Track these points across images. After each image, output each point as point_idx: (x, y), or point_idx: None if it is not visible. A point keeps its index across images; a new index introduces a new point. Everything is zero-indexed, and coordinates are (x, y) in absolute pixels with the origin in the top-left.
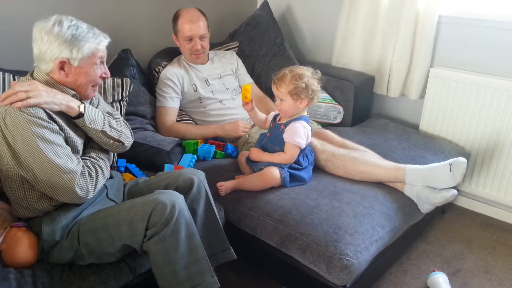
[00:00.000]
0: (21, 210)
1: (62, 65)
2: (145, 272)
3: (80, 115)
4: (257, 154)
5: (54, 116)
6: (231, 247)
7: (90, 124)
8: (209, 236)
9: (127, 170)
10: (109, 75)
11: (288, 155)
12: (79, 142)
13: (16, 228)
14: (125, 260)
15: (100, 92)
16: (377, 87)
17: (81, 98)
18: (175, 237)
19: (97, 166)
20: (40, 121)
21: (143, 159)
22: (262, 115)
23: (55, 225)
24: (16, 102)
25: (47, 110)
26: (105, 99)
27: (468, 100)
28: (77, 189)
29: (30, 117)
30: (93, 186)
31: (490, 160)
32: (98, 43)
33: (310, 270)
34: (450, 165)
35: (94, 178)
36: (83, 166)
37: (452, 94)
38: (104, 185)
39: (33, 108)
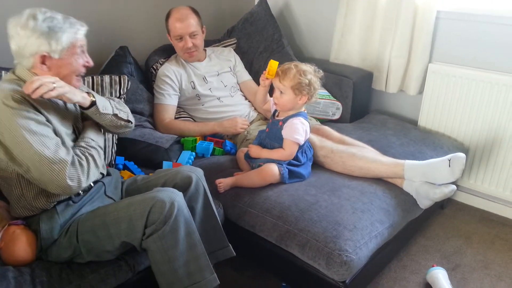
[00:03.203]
0: (19, 209)
1: (43, 59)
2: (144, 269)
3: (93, 103)
4: (255, 150)
5: (40, 108)
6: (230, 245)
7: (104, 110)
8: (207, 234)
9: (125, 167)
10: (91, 63)
11: (287, 152)
12: (67, 134)
13: (15, 226)
14: (124, 258)
15: (97, 90)
16: (375, 83)
17: None
18: (174, 234)
19: (87, 154)
20: (26, 113)
21: (142, 156)
22: (268, 97)
23: (53, 222)
24: (47, 92)
25: (32, 102)
26: (103, 96)
27: (467, 95)
28: (68, 180)
29: (14, 110)
30: (85, 175)
31: (489, 155)
32: (76, 32)
33: (309, 266)
34: (449, 160)
35: (86, 167)
36: (73, 156)
37: (450, 90)
38: (102, 182)
39: (18, 100)
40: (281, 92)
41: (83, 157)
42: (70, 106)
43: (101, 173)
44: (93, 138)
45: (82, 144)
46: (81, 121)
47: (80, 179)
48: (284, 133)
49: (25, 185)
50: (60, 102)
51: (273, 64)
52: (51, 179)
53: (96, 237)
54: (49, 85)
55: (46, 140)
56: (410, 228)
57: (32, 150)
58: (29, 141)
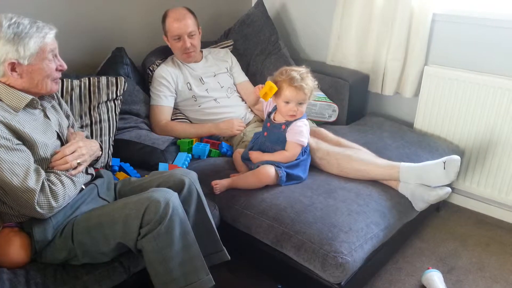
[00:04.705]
0: (12, 217)
1: (13, 67)
2: (140, 271)
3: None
4: (257, 156)
5: (16, 125)
6: (224, 248)
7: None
8: (201, 237)
9: (121, 169)
10: (65, 67)
11: (290, 153)
12: (51, 143)
13: (8, 228)
14: (119, 259)
15: (94, 91)
16: (371, 85)
17: (45, 93)
18: (169, 234)
19: (63, 178)
20: None
21: (138, 158)
22: (258, 106)
23: (46, 224)
24: (69, 170)
25: (6, 121)
26: (99, 98)
27: (462, 98)
28: (37, 207)
29: None
30: (59, 200)
31: (484, 158)
32: (44, 36)
33: (305, 268)
34: (444, 163)
35: (59, 192)
36: (43, 182)
37: (446, 92)
38: (94, 184)
39: None
40: (300, 103)
41: (57, 182)
42: (50, 114)
43: (90, 174)
44: None
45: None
46: (66, 124)
47: (51, 205)
48: (289, 136)
49: (10, 202)
50: (40, 114)
51: (272, 90)
52: (22, 205)
53: (91, 238)
54: (73, 164)
55: (16, 168)
56: (405, 230)
57: (2, 179)
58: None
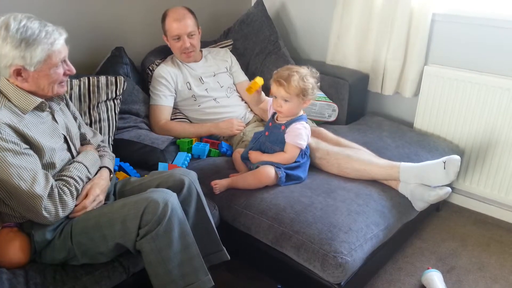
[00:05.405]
0: (12, 218)
1: (19, 72)
2: (139, 271)
3: (110, 172)
4: (256, 156)
5: (24, 129)
6: (224, 248)
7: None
8: (201, 237)
9: (121, 168)
10: (73, 71)
11: (289, 155)
12: (58, 146)
13: (8, 228)
14: (118, 260)
15: (93, 91)
16: (371, 85)
17: (52, 96)
18: (168, 235)
19: (73, 189)
20: (4, 144)
21: (137, 157)
22: (264, 96)
23: (46, 225)
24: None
25: (14, 125)
26: (99, 97)
27: (462, 97)
28: (44, 212)
29: None
30: (65, 210)
31: (484, 157)
32: (52, 43)
33: (304, 268)
34: (444, 162)
35: (68, 201)
36: (52, 187)
37: (446, 92)
38: None
39: None
40: (285, 100)
41: (67, 192)
42: (58, 117)
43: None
44: (89, 167)
45: (75, 173)
46: (76, 125)
47: (57, 212)
48: (288, 138)
49: (13, 204)
50: (48, 117)
51: (256, 85)
52: (28, 210)
53: (90, 239)
54: (93, 206)
55: (23, 173)
56: (405, 230)
57: (9, 183)
58: (6, 173)
